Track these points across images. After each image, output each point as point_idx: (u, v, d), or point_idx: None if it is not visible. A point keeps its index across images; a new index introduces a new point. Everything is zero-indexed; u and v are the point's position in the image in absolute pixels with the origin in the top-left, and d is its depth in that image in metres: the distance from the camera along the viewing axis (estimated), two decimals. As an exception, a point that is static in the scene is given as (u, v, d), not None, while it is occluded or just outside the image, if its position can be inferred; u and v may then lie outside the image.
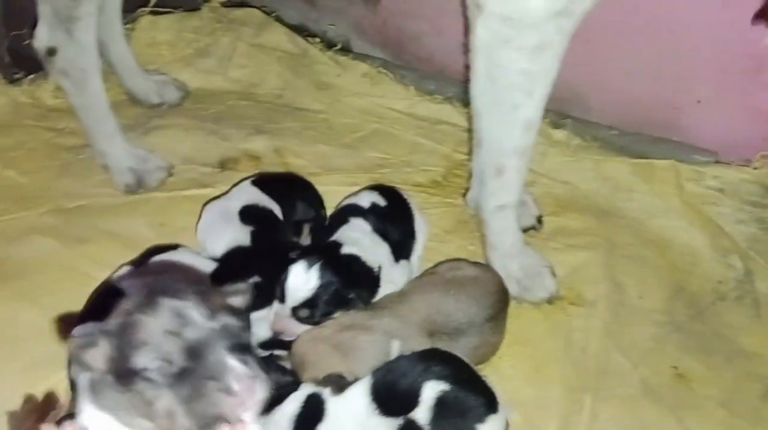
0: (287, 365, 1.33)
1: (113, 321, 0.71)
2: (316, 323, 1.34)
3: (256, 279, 1.40)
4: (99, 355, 0.69)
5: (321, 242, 1.53)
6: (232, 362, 0.64)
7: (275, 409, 1.19)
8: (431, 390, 1.19)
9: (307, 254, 1.39)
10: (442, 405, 1.18)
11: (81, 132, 1.81)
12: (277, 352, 1.37)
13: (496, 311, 1.41)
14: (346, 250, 1.42)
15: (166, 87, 2.04)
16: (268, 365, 1.33)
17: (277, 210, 1.57)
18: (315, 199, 1.66)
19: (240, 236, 1.49)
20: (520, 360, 1.47)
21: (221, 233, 1.50)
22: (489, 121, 1.42)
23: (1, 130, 1.86)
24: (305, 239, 1.61)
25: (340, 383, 1.21)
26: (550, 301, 1.58)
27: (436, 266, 1.54)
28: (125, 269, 1.41)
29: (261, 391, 0.66)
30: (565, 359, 1.48)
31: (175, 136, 1.91)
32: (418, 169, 1.91)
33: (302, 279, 1.33)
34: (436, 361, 1.24)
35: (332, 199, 1.68)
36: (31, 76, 1.99)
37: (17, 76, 1.98)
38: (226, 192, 1.64)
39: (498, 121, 1.40)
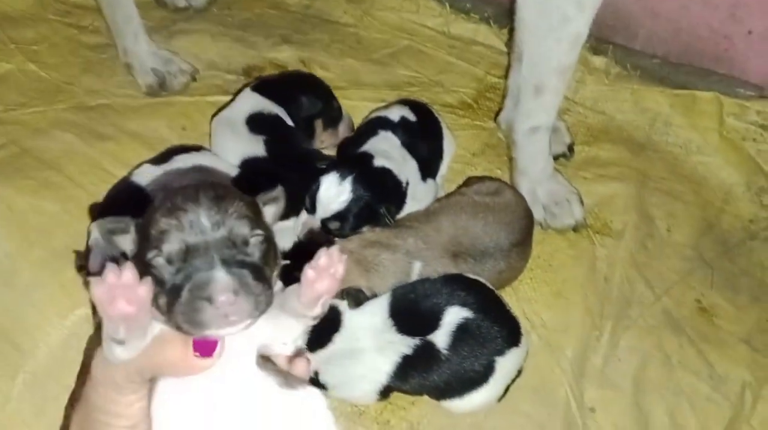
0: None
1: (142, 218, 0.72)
2: (344, 236, 1.32)
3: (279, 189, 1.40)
4: (129, 241, 0.71)
5: (348, 153, 1.49)
6: (219, 274, 0.63)
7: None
8: (454, 315, 1.18)
9: (338, 164, 1.36)
10: (463, 332, 1.17)
11: (105, 31, 1.76)
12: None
13: (524, 237, 1.39)
14: (378, 162, 1.38)
15: (193, -10, 1.97)
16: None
17: (284, 114, 1.51)
18: (320, 91, 1.58)
19: (252, 146, 1.44)
20: (541, 284, 1.45)
21: (232, 146, 1.45)
22: (534, 34, 1.36)
23: (25, 23, 1.80)
24: (321, 137, 1.57)
25: (358, 297, 1.21)
26: (576, 229, 1.54)
27: (467, 184, 1.50)
28: (145, 167, 1.38)
29: (246, 308, 0.64)
30: (587, 285, 1.45)
31: (200, 41, 1.85)
32: (448, 89, 1.85)
33: (335, 191, 1.31)
34: (463, 287, 1.22)
35: (358, 115, 1.64)
36: (56, -30, 1.92)
37: (41, -31, 1.91)
38: (229, 103, 1.58)
39: (544, 35, 1.34)
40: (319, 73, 1.83)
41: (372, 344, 1.17)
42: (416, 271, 1.29)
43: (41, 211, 1.37)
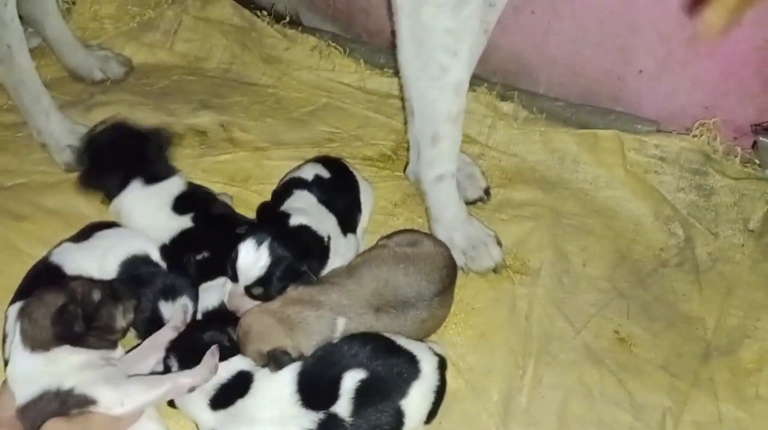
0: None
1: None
2: (270, 299, 1.31)
3: (204, 254, 1.41)
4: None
5: (268, 215, 1.51)
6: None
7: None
8: (351, 380, 1.20)
9: (255, 229, 1.36)
10: (362, 394, 1.19)
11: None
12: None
13: (445, 286, 1.41)
14: (294, 221, 1.39)
15: (108, 62, 1.99)
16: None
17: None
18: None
19: (180, 223, 1.46)
20: (465, 328, 1.49)
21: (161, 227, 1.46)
22: (419, 87, 1.41)
23: (-63, 105, 1.80)
24: None
25: (282, 360, 1.22)
26: (496, 270, 1.59)
27: (389, 236, 1.53)
28: (65, 245, 1.39)
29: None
30: (509, 326, 1.50)
31: (118, 113, 1.86)
32: (367, 143, 1.90)
33: (253, 257, 1.30)
34: (356, 345, 1.24)
35: (280, 175, 1.65)
36: (-35, 53, 1.92)
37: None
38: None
39: (428, 87, 1.39)
40: (239, 135, 1.87)
41: (274, 415, 1.18)
42: (340, 327, 1.29)
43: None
